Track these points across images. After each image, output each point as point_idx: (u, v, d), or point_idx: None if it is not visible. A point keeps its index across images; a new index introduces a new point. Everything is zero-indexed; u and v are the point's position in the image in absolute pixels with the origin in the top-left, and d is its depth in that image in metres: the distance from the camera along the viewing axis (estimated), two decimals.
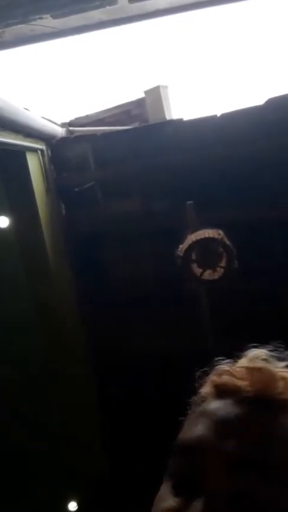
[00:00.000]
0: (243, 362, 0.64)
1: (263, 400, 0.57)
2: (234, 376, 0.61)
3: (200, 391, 0.65)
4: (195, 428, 0.57)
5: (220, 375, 0.63)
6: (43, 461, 3.85)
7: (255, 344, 0.67)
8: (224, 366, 0.65)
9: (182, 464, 0.55)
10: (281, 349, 0.66)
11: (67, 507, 3.87)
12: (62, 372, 3.62)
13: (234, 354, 0.68)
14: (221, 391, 0.60)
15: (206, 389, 0.64)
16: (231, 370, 0.63)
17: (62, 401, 3.67)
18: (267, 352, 0.65)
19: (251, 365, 0.62)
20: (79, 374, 3.73)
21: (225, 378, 0.62)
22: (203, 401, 0.63)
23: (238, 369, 0.62)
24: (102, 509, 3.72)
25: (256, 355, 0.64)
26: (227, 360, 0.67)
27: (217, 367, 0.67)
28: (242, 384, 0.59)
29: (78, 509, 3.87)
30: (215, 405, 0.59)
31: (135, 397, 3.70)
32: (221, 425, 0.55)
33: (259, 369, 0.60)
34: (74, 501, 3.87)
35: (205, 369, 0.69)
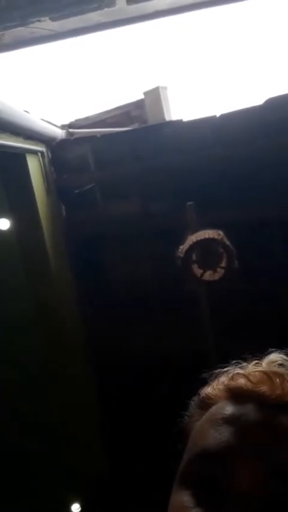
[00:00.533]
0: (259, 366, 0.63)
1: (284, 405, 0.56)
2: (249, 380, 0.60)
3: (204, 392, 0.64)
4: (219, 435, 0.55)
5: (234, 377, 0.62)
6: (43, 461, 3.86)
7: (273, 348, 0.66)
8: (236, 368, 0.64)
9: (206, 472, 0.52)
10: None
11: (67, 507, 3.87)
12: (62, 372, 3.62)
13: (244, 356, 0.67)
14: (237, 395, 0.59)
15: (214, 391, 0.63)
16: (246, 374, 0.61)
17: (62, 402, 3.68)
18: (283, 356, 0.64)
19: (269, 370, 0.60)
20: (79, 374, 3.73)
21: (241, 382, 0.60)
22: (210, 403, 0.61)
23: (255, 373, 0.61)
24: (102, 509, 3.72)
25: (273, 360, 0.63)
26: (235, 362, 0.67)
27: (227, 369, 0.66)
28: (263, 388, 0.57)
29: (79, 509, 3.87)
30: (236, 410, 0.57)
31: (135, 397, 3.71)
32: (249, 432, 0.53)
33: (281, 375, 0.59)
34: (74, 501, 3.87)
35: (212, 370, 0.68)
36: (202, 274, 3.19)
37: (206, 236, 3.10)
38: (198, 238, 3.11)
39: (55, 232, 3.58)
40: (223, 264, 3.12)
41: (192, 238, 3.12)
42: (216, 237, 3.08)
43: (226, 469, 0.50)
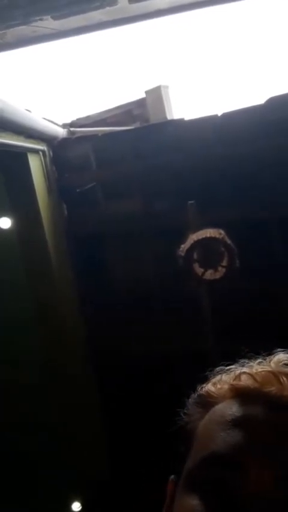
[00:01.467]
0: (265, 365, 0.61)
1: None
2: (256, 380, 0.58)
3: (205, 390, 0.63)
4: (229, 437, 0.53)
5: (239, 377, 0.60)
6: (43, 461, 3.86)
7: (279, 348, 0.64)
8: (241, 367, 0.63)
9: (216, 476, 0.50)
10: None
11: (67, 507, 3.87)
12: (62, 372, 3.62)
13: (247, 355, 0.66)
14: (243, 395, 0.57)
15: (217, 390, 0.61)
16: (252, 373, 0.59)
17: (62, 401, 3.68)
18: None
19: (277, 369, 0.59)
20: (79, 374, 3.73)
21: (248, 381, 0.59)
22: (213, 402, 0.60)
23: (262, 373, 0.59)
24: (103, 509, 3.73)
25: (280, 359, 0.61)
26: (238, 361, 0.65)
27: (230, 367, 0.64)
28: (270, 389, 0.56)
29: (79, 509, 3.87)
30: (244, 412, 0.55)
31: (135, 397, 3.71)
32: (260, 434, 0.52)
33: None
34: (75, 501, 3.88)
35: (213, 370, 0.67)
36: (203, 273, 3.18)
37: (207, 235, 3.10)
38: (200, 237, 3.10)
39: (56, 231, 3.58)
40: (224, 263, 3.12)
41: (193, 237, 3.12)
42: (217, 236, 3.07)
43: (238, 472, 0.49)
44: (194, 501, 0.50)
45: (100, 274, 3.85)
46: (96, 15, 2.63)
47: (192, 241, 3.11)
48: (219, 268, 3.13)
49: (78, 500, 3.87)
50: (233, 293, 3.40)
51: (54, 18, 2.53)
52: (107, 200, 3.74)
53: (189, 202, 3.26)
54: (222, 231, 3.06)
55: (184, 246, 3.13)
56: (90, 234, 3.80)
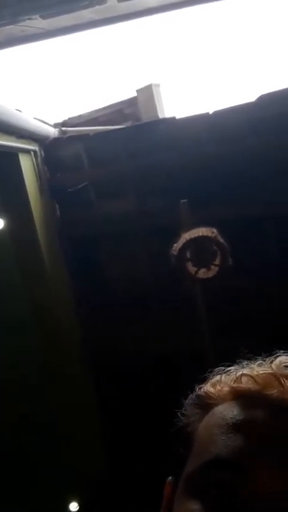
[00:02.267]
0: (265, 367, 0.60)
1: None
2: (257, 382, 0.57)
3: (204, 391, 0.62)
4: (231, 442, 0.51)
5: (240, 379, 0.59)
6: (42, 461, 3.85)
7: (277, 350, 0.63)
8: (241, 368, 0.62)
9: (219, 480, 0.49)
10: None
11: (67, 507, 3.87)
12: (60, 372, 3.62)
13: (246, 356, 0.65)
14: (244, 398, 0.56)
15: (216, 391, 0.60)
16: (253, 375, 0.58)
17: (60, 402, 3.68)
18: None
19: (278, 372, 0.57)
20: (77, 374, 3.73)
21: (249, 384, 0.57)
22: (212, 404, 0.59)
23: (263, 375, 0.58)
24: (102, 508, 3.73)
25: (281, 361, 0.59)
26: (237, 362, 0.64)
27: (229, 368, 0.63)
28: (272, 392, 0.55)
29: (78, 508, 3.87)
30: (246, 415, 0.54)
31: (133, 397, 3.71)
32: (264, 438, 0.51)
33: None
34: (74, 501, 3.88)
35: (210, 369, 0.65)
36: (196, 272, 3.19)
37: (200, 234, 3.10)
38: (192, 236, 3.10)
39: (49, 232, 3.57)
40: (217, 262, 3.12)
41: (186, 236, 3.12)
42: (210, 234, 3.08)
43: (242, 476, 0.48)
44: (195, 506, 0.49)
45: (95, 274, 3.84)
46: (85, 14, 2.61)
47: (184, 240, 3.11)
48: (212, 267, 3.13)
49: (77, 500, 3.87)
50: (227, 292, 3.40)
51: (43, 17, 2.52)
52: (100, 200, 3.73)
53: (182, 201, 3.26)
54: (214, 230, 3.07)
55: (177, 245, 3.13)
56: (84, 234, 3.79)
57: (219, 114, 3.33)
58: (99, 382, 3.90)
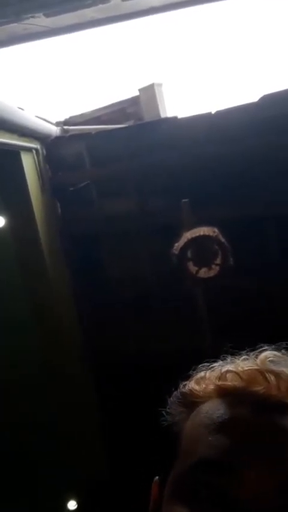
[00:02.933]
0: (250, 363, 0.58)
1: (283, 406, 0.52)
2: (241, 378, 0.56)
3: (188, 388, 0.60)
4: (217, 442, 0.50)
5: (224, 375, 0.58)
6: (42, 460, 3.85)
7: (261, 344, 0.62)
8: (225, 365, 0.60)
9: (206, 483, 0.48)
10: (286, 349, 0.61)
11: (66, 506, 3.87)
12: (60, 372, 3.62)
13: (229, 353, 0.63)
14: (229, 395, 0.55)
15: (201, 388, 0.59)
16: (238, 372, 0.57)
17: (60, 401, 3.68)
18: (276, 353, 0.60)
19: (263, 367, 0.56)
20: (77, 374, 3.73)
21: (234, 380, 0.56)
22: (197, 402, 0.58)
23: (248, 371, 0.56)
24: (102, 508, 3.73)
25: (266, 357, 0.58)
26: (222, 357, 0.63)
27: (214, 365, 0.62)
28: (258, 388, 0.54)
29: (77, 508, 3.87)
30: (232, 413, 0.53)
31: (133, 396, 3.71)
32: (251, 437, 0.50)
33: (277, 374, 0.55)
34: (74, 500, 3.88)
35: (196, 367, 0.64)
36: (197, 272, 3.19)
37: (201, 233, 3.10)
38: (193, 236, 3.11)
39: (50, 230, 3.57)
40: (218, 261, 3.13)
41: (187, 236, 3.12)
42: (211, 234, 3.08)
43: (230, 477, 0.47)
44: (182, 509, 0.48)
45: (96, 273, 3.84)
46: (88, 13, 2.61)
47: (186, 240, 3.11)
48: (213, 267, 3.13)
49: (77, 500, 3.87)
50: (228, 291, 3.40)
51: (47, 15, 2.51)
52: (101, 199, 3.73)
53: (183, 200, 3.26)
54: (216, 229, 3.07)
55: (178, 245, 3.13)
56: (85, 233, 3.79)
57: (221, 114, 3.33)
58: (100, 382, 3.89)
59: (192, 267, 3.20)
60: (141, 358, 3.67)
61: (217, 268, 3.15)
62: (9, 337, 3.66)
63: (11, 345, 3.67)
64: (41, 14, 2.48)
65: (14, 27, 2.58)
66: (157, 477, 0.59)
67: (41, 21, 2.57)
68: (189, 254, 3.16)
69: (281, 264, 3.39)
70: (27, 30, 2.68)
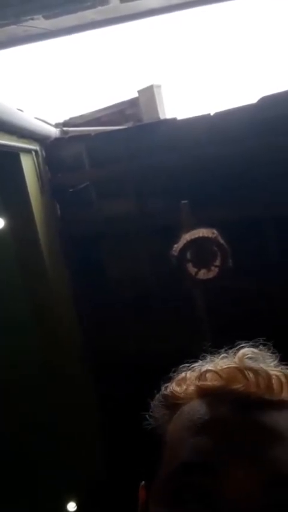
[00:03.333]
0: (229, 361, 0.58)
1: (262, 403, 0.52)
2: (221, 376, 0.55)
3: (170, 390, 0.60)
4: (199, 443, 0.50)
5: (204, 375, 0.57)
6: (43, 461, 3.85)
7: (240, 342, 0.61)
8: (205, 364, 0.60)
9: (191, 486, 0.47)
10: (265, 346, 0.61)
11: (66, 506, 3.87)
12: (60, 372, 3.62)
13: (209, 350, 0.63)
14: (209, 395, 0.55)
15: (182, 390, 0.59)
16: (217, 371, 0.56)
17: (60, 402, 3.68)
18: (254, 350, 0.59)
19: (242, 365, 0.56)
20: (77, 374, 3.73)
21: (213, 380, 0.56)
22: (179, 404, 0.58)
23: (227, 369, 0.56)
24: (101, 508, 3.73)
25: (244, 354, 0.58)
26: (201, 357, 0.62)
27: (194, 365, 0.61)
28: (237, 386, 0.53)
29: (77, 509, 3.87)
30: (213, 413, 0.52)
31: (133, 397, 3.71)
32: (233, 437, 0.49)
33: (255, 371, 0.55)
34: (73, 501, 3.88)
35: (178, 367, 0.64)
36: (196, 273, 3.19)
37: (200, 235, 3.11)
38: (193, 237, 3.11)
39: (50, 231, 3.57)
40: (217, 263, 3.13)
41: (186, 237, 3.13)
42: (210, 235, 3.08)
43: (214, 479, 0.46)
44: None
45: (96, 274, 3.84)
46: (88, 15, 2.62)
47: (185, 241, 3.12)
48: (212, 268, 3.14)
49: (77, 500, 3.87)
50: (228, 292, 3.41)
51: (46, 17, 2.52)
52: (101, 200, 3.74)
53: (183, 201, 3.26)
54: (215, 231, 3.07)
55: (177, 246, 3.14)
56: (85, 234, 3.80)
57: (220, 116, 3.34)
58: (100, 382, 3.90)
59: (191, 268, 3.21)
60: (141, 358, 3.68)
61: (216, 269, 3.15)
62: (9, 338, 3.66)
63: (11, 346, 3.68)
64: (40, 16, 2.49)
65: (14, 29, 2.59)
66: (143, 481, 0.59)
67: (40, 23, 2.58)
68: (188, 255, 3.17)
69: (280, 265, 3.40)
70: (27, 32, 2.69)
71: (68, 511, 3.87)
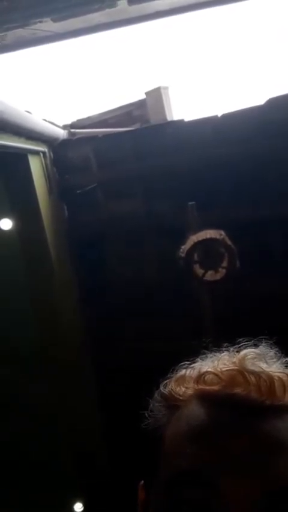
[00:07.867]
0: (229, 362, 0.56)
1: (263, 409, 0.51)
2: (222, 379, 0.54)
3: (169, 389, 0.59)
4: (198, 451, 0.48)
5: (203, 377, 0.56)
6: (42, 458, 3.86)
7: (240, 339, 0.60)
8: (205, 365, 0.59)
9: (189, 496, 0.46)
10: (268, 346, 0.60)
11: (66, 504, 3.88)
12: (63, 371, 3.63)
13: (210, 349, 0.62)
14: (209, 399, 0.53)
15: (181, 390, 0.57)
16: (217, 373, 0.55)
17: (60, 399, 3.69)
18: (256, 350, 0.58)
19: (243, 367, 0.54)
20: (81, 373, 3.74)
21: (213, 383, 0.54)
22: (178, 405, 0.56)
23: (228, 372, 0.54)
24: (102, 508, 3.73)
25: (246, 355, 0.56)
26: (201, 356, 0.61)
27: (194, 364, 0.60)
28: (238, 391, 0.52)
29: (77, 506, 3.88)
30: (212, 419, 0.51)
31: (133, 396, 3.71)
32: (232, 445, 0.48)
33: (257, 373, 0.53)
34: (74, 498, 3.88)
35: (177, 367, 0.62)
36: (204, 275, 3.19)
37: (208, 236, 3.11)
38: (200, 239, 3.11)
39: (57, 233, 3.59)
40: (224, 264, 3.13)
41: (193, 239, 3.13)
42: (217, 237, 3.08)
43: (214, 490, 0.45)
44: None
45: (102, 275, 3.86)
46: (95, 17, 2.64)
47: (192, 243, 3.12)
48: (220, 270, 3.13)
49: (77, 497, 3.88)
50: (235, 293, 3.40)
51: (54, 20, 2.54)
52: (108, 201, 3.75)
53: (190, 203, 3.26)
54: (222, 232, 3.07)
55: (184, 247, 3.14)
56: (92, 235, 3.81)
57: (227, 117, 3.33)
58: (100, 382, 3.91)
59: (198, 270, 3.20)
60: (141, 358, 3.68)
61: (223, 271, 3.15)
62: (13, 337, 3.68)
63: (15, 344, 3.69)
64: (48, 19, 2.51)
65: (22, 31, 2.61)
66: (142, 481, 0.59)
67: (48, 25, 2.60)
68: (195, 257, 3.17)
69: (286, 266, 3.38)
70: (35, 34, 2.71)
71: (69, 509, 3.87)
